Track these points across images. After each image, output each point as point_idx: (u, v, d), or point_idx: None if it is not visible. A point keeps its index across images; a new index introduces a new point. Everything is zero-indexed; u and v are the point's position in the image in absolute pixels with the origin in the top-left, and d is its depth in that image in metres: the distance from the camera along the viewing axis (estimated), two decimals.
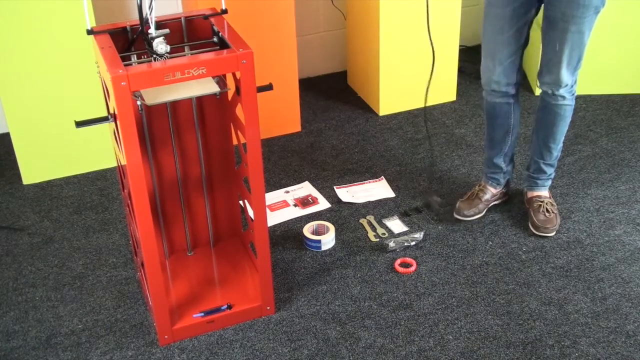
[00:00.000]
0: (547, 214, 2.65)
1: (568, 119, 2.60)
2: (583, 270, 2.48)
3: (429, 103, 3.53)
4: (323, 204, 2.86)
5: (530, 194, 2.75)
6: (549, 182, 2.75)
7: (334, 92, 3.70)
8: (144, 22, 1.98)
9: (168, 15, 2.15)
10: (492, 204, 2.78)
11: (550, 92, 2.53)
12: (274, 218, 2.78)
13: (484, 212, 2.76)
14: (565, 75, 2.47)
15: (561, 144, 2.67)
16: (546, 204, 2.67)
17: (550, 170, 2.72)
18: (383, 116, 3.47)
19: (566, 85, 2.50)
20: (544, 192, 2.74)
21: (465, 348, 2.19)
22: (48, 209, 2.88)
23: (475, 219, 2.73)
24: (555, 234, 2.64)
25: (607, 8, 3.32)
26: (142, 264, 2.19)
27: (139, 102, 2.01)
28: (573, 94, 2.56)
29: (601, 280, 2.43)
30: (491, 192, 2.76)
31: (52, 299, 2.43)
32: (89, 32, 2.04)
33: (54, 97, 2.91)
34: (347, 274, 2.50)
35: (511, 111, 2.63)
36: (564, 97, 2.53)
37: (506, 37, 2.47)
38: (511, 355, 2.16)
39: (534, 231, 2.64)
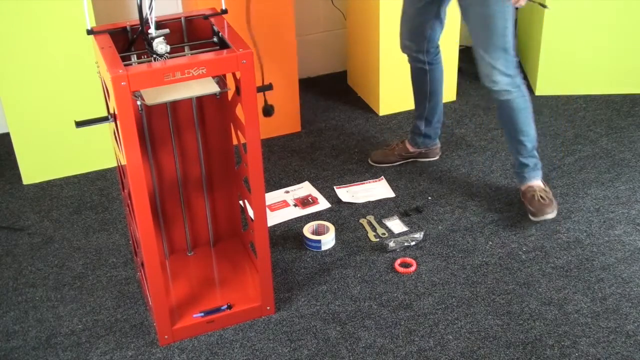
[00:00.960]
0: (541, 200, 2.66)
1: (526, 110, 2.60)
2: (583, 270, 2.48)
3: None
4: (323, 204, 2.86)
5: (522, 187, 2.76)
6: (537, 172, 2.74)
7: (334, 92, 3.70)
8: (144, 22, 1.98)
9: (168, 15, 2.15)
10: (408, 160, 3.07)
11: (491, 88, 2.55)
12: (274, 218, 2.78)
13: (395, 163, 3.05)
14: (490, 69, 2.48)
15: (532, 134, 2.66)
16: (539, 192, 2.68)
17: (532, 162, 2.71)
18: (383, 116, 3.47)
19: (498, 81, 2.50)
20: (535, 183, 2.73)
21: (465, 348, 2.19)
22: (48, 209, 2.88)
23: (385, 167, 3.05)
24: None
25: (607, 8, 3.35)
26: (142, 264, 2.19)
27: (139, 102, 2.01)
28: (518, 86, 2.54)
29: (601, 280, 2.43)
30: (407, 149, 3.04)
31: (52, 299, 2.43)
32: (89, 32, 2.04)
33: (54, 97, 2.91)
34: (347, 274, 2.50)
35: (426, 78, 2.85)
36: (509, 92, 2.54)
37: (417, 7, 2.69)
38: (511, 355, 2.16)
39: (533, 218, 2.66)
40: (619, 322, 2.26)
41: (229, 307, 2.29)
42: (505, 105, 2.58)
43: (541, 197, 2.66)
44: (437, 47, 2.82)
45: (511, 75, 2.51)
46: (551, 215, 2.65)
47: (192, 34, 2.18)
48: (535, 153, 2.71)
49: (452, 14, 3.36)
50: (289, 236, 2.69)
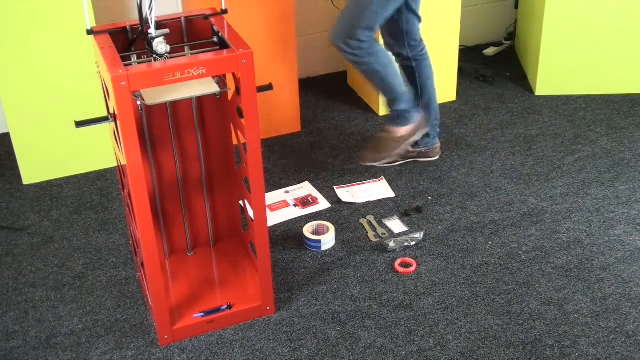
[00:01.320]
0: (374, 144, 2.88)
1: (375, 74, 2.74)
2: (583, 270, 2.48)
3: None
4: (323, 204, 2.86)
5: None
6: (401, 122, 2.88)
7: (334, 92, 3.70)
8: (144, 22, 1.98)
9: (168, 15, 2.15)
10: (408, 160, 3.07)
11: (335, 47, 2.72)
12: (274, 218, 2.78)
13: (395, 163, 3.05)
14: (334, 32, 2.68)
15: (395, 92, 2.79)
16: (383, 137, 2.89)
17: (400, 114, 2.85)
18: (383, 116, 3.47)
19: (338, 47, 2.66)
20: (392, 128, 2.90)
21: (465, 348, 2.19)
22: (48, 209, 2.88)
23: (385, 167, 3.04)
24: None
25: (607, 8, 3.35)
26: (142, 264, 2.19)
27: (139, 102, 2.01)
28: (360, 57, 2.67)
29: (601, 280, 2.43)
30: (407, 149, 3.03)
31: (52, 299, 2.43)
32: (89, 32, 2.04)
33: (54, 97, 2.91)
34: (347, 274, 2.50)
35: (415, 75, 2.89)
36: (349, 60, 2.71)
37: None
38: (511, 355, 2.16)
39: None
40: (619, 322, 2.26)
41: (229, 307, 2.29)
42: (354, 65, 2.77)
43: (377, 141, 2.85)
44: (419, 41, 2.84)
45: (352, 49, 2.64)
46: (368, 162, 2.87)
47: (192, 34, 2.18)
48: (400, 105, 2.83)
49: (452, 14, 3.37)
50: (289, 236, 2.69)
